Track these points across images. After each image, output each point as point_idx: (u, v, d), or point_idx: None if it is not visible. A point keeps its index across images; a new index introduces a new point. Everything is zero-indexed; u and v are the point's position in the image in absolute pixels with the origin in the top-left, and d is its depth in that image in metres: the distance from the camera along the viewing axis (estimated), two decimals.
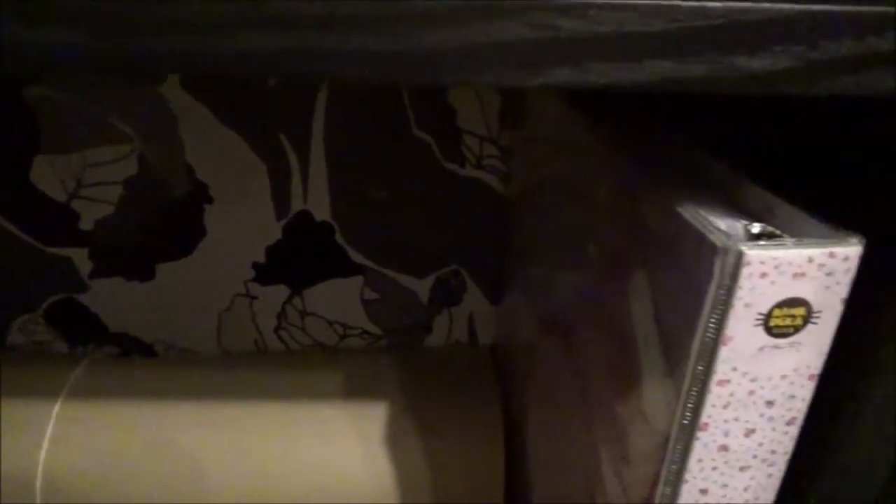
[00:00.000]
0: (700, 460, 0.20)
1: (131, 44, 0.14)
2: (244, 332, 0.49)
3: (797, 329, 0.19)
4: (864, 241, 0.18)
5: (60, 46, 0.14)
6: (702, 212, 0.20)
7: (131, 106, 0.41)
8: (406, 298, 0.48)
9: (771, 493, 0.22)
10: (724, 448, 0.20)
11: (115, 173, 0.43)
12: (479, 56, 0.14)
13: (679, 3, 0.14)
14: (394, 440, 0.41)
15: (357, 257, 0.46)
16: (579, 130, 0.30)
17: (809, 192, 0.22)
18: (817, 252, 0.18)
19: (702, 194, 0.22)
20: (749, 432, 0.20)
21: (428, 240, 0.46)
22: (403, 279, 0.47)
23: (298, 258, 0.46)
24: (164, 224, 0.44)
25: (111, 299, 0.47)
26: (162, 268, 0.46)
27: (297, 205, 0.44)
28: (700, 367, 0.19)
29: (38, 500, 0.40)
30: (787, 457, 0.21)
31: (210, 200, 0.44)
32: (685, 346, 0.19)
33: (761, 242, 0.18)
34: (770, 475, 0.21)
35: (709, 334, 0.19)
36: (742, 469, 0.21)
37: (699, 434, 0.20)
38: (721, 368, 0.19)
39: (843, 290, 0.18)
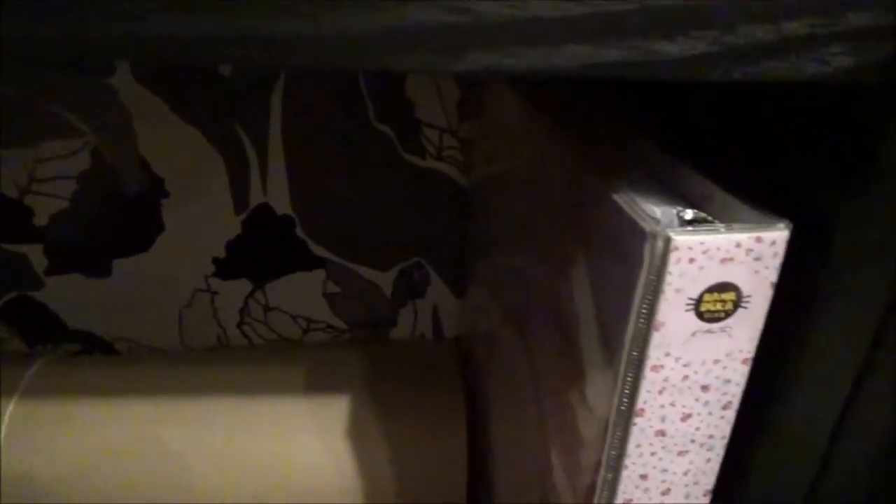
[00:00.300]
0: (638, 445, 0.21)
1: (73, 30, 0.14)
2: (206, 327, 0.48)
3: (728, 314, 0.19)
4: (791, 226, 0.18)
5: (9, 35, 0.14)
6: (638, 199, 0.20)
7: (83, 99, 0.40)
8: (369, 292, 0.48)
9: (711, 477, 0.22)
10: (661, 433, 0.20)
11: (69, 168, 0.42)
12: (399, 41, 0.14)
13: None
14: (356, 434, 0.41)
15: (319, 251, 0.46)
16: (528, 121, 0.30)
17: (757, 177, 0.22)
18: (744, 237, 0.18)
19: (642, 182, 0.22)
20: (686, 417, 0.20)
21: (390, 232, 0.45)
22: (366, 272, 0.47)
23: (259, 252, 0.46)
24: (120, 219, 0.44)
25: (68, 296, 0.46)
26: (119, 263, 0.45)
27: (256, 198, 0.44)
28: (634, 353, 0.19)
29: None
30: (725, 441, 0.21)
31: (167, 194, 0.43)
32: (620, 332, 0.19)
33: (690, 228, 0.18)
34: (709, 459, 0.21)
35: (641, 320, 0.19)
36: (680, 454, 0.21)
37: (636, 419, 0.20)
38: (654, 354, 0.19)
39: (772, 274, 0.18)
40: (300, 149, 0.42)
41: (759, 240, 0.18)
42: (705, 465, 0.21)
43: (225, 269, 0.46)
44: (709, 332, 0.19)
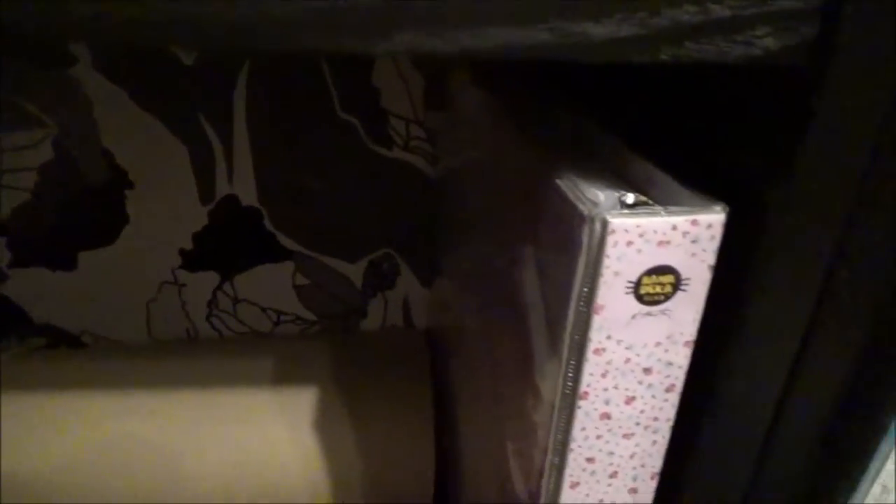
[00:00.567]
0: (584, 429, 0.21)
1: None
2: (174, 320, 0.48)
3: (667, 296, 0.19)
4: (727, 209, 0.18)
5: None
6: (582, 184, 0.20)
7: (44, 90, 0.40)
8: (339, 283, 0.48)
9: (657, 459, 0.22)
10: (606, 416, 0.21)
11: (30, 159, 0.41)
12: (322, 22, 0.14)
13: None
14: (323, 425, 0.41)
15: (287, 242, 0.46)
16: (485, 110, 0.30)
17: (704, 160, 0.22)
18: (681, 220, 0.18)
19: (590, 168, 0.22)
20: (629, 400, 0.20)
21: (358, 223, 0.45)
22: (335, 264, 0.47)
23: (227, 244, 0.45)
24: (84, 211, 0.43)
25: (33, 290, 0.46)
26: (84, 256, 0.45)
27: (222, 189, 0.43)
28: (576, 337, 0.19)
29: None
30: (671, 423, 0.21)
31: (131, 186, 0.42)
32: (563, 316, 0.20)
33: (626, 211, 0.18)
34: (654, 442, 0.22)
35: (582, 304, 0.19)
36: (626, 436, 0.21)
37: (580, 403, 0.20)
38: (596, 337, 0.19)
39: (709, 256, 0.18)
40: (266, 139, 0.42)
41: (695, 223, 0.18)
42: (651, 448, 0.22)
43: (192, 261, 0.46)
44: (649, 314, 0.19)
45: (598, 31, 0.15)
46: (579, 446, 0.21)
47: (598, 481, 0.22)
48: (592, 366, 0.20)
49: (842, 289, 0.18)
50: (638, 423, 0.21)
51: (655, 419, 0.21)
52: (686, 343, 0.20)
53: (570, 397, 0.20)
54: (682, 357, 0.20)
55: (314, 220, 0.45)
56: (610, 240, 0.18)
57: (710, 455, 0.21)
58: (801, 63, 0.15)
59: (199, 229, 0.45)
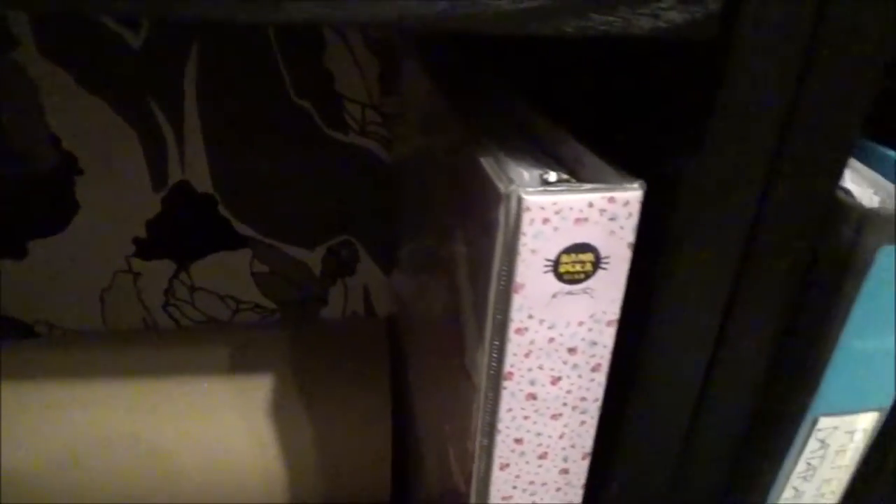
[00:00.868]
0: (510, 410, 0.21)
1: None
2: (130, 309, 0.47)
3: (588, 275, 0.19)
4: (644, 185, 0.18)
5: None
6: (508, 162, 0.20)
7: None
8: (297, 270, 0.47)
9: (588, 439, 0.22)
10: (532, 396, 0.21)
11: None
12: None
13: None
14: (278, 415, 0.41)
15: (243, 229, 0.45)
16: (427, 92, 0.30)
17: (633, 137, 0.22)
18: (597, 197, 0.18)
19: (521, 147, 0.22)
20: (555, 380, 0.20)
21: (315, 210, 0.45)
22: (293, 251, 0.46)
23: (181, 231, 0.45)
24: (33, 198, 0.42)
25: None
26: (35, 245, 0.44)
27: (174, 176, 0.43)
28: (498, 317, 0.19)
29: None
30: (599, 403, 0.21)
31: (80, 172, 0.42)
32: (485, 296, 0.19)
33: (541, 188, 0.18)
34: (583, 422, 0.21)
35: (502, 283, 0.19)
36: (554, 417, 0.21)
37: (506, 383, 0.20)
38: (517, 317, 0.19)
39: (628, 234, 0.18)
40: (218, 124, 0.41)
41: (611, 200, 0.18)
42: (580, 428, 0.22)
43: (146, 249, 0.45)
44: (570, 293, 0.19)
45: (502, 2, 0.14)
46: (507, 427, 0.21)
47: (527, 462, 0.22)
48: (515, 346, 0.19)
49: (760, 261, 0.18)
50: (565, 404, 0.21)
51: (583, 399, 0.21)
52: (609, 322, 0.20)
53: (495, 378, 0.20)
54: (606, 336, 0.20)
55: (270, 207, 0.44)
56: (526, 217, 0.17)
57: (639, 435, 0.21)
58: (707, 36, 0.15)
59: (153, 217, 0.44)
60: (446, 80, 0.30)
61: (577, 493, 0.23)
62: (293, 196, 0.44)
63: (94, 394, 0.41)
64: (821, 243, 0.18)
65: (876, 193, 0.20)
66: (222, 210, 0.44)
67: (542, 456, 0.22)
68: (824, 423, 0.20)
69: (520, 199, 0.17)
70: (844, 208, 0.17)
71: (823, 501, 0.22)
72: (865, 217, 0.17)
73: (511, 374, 0.20)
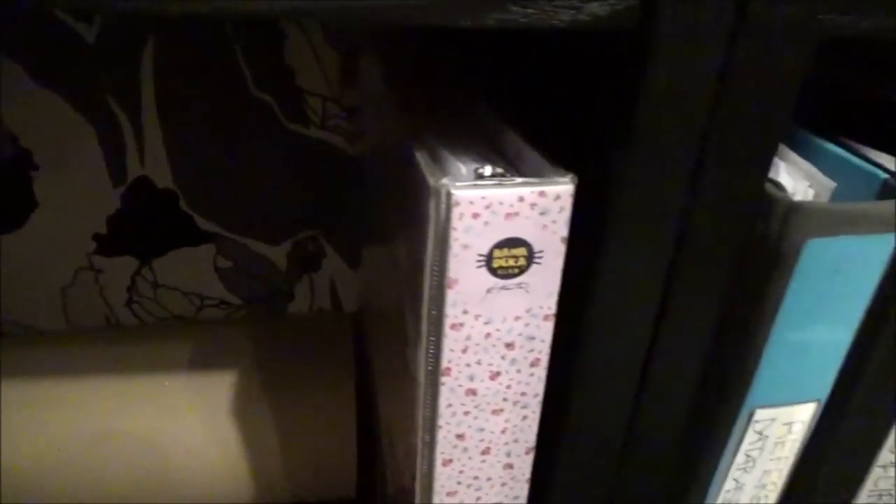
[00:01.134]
0: (450, 405, 0.20)
1: None
2: (93, 307, 0.46)
3: (522, 270, 0.19)
4: (576, 179, 0.18)
5: None
6: (446, 156, 0.20)
7: None
8: (262, 266, 0.47)
9: (531, 434, 0.22)
10: (471, 392, 0.20)
11: None
12: None
13: None
14: (241, 413, 0.40)
15: (206, 225, 0.44)
16: (380, 86, 0.29)
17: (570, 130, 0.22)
18: (527, 192, 0.18)
19: (464, 140, 0.22)
20: (494, 375, 0.20)
21: (279, 204, 0.44)
22: (258, 246, 0.46)
23: (143, 227, 0.44)
24: None
25: None
26: None
27: (134, 171, 0.42)
28: (433, 312, 0.19)
29: None
30: (540, 398, 0.21)
31: (36, 168, 0.41)
32: (420, 291, 0.19)
33: (470, 182, 0.17)
34: (525, 417, 0.21)
35: (435, 278, 0.18)
36: (495, 412, 0.21)
37: (444, 379, 0.20)
38: (452, 312, 0.19)
39: (560, 228, 0.18)
40: (177, 119, 0.41)
41: (542, 194, 0.18)
42: (523, 423, 0.21)
43: (107, 245, 0.44)
44: (504, 288, 0.19)
45: None
46: (447, 423, 0.21)
47: (470, 458, 0.22)
48: (451, 341, 0.19)
49: (692, 253, 0.18)
50: (506, 399, 0.21)
51: (523, 394, 0.21)
52: (547, 317, 0.20)
53: (433, 374, 0.20)
54: (544, 331, 0.20)
55: (233, 202, 0.44)
56: (455, 212, 0.17)
57: (580, 429, 0.21)
58: (628, 26, 0.15)
59: (113, 213, 0.43)
60: (399, 73, 0.30)
61: (523, 488, 0.23)
62: (256, 190, 0.44)
63: (49, 394, 0.41)
64: (751, 236, 0.18)
65: (811, 186, 0.20)
66: (184, 205, 0.43)
67: (485, 451, 0.22)
68: (761, 414, 0.20)
69: (449, 194, 0.17)
70: (772, 201, 0.17)
71: (765, 493, 0.22)
72: (792, 210, 0.17)
73: (449, 369, 0.20)
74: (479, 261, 0.18)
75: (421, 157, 0.19)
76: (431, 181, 0.18)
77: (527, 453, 0.22)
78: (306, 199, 0.44)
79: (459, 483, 0.22)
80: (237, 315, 0.49)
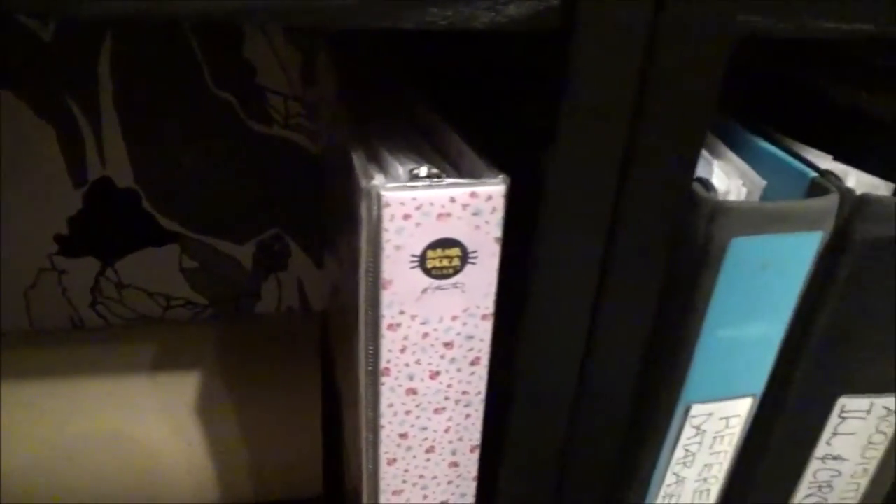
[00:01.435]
0: (391, 405, 0.21)
1: None
2: (56, 308, 0.46)
3: (456, 270, 0.19)
4: (508, 180, 0.18)
5: None
6: (385, 156, 0.20)
7: None
8: (228, 266, 0.46)
9: (475, 432, 0.22)
10: (412, 391, 0.21)
11: None
12: None
13: None
14: (205, 413, 0.40)
15: (170, 224, 0.44)
16: (333, 86, 0.29)
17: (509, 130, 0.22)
18: (459, 192, 0.18)
19: (404, 141, 0.22)
20: (434, 374, 0.20)
21: (243, 203, 0.44)
22: (223, 246, 0.46)
23: (105, 228, 0.44)
24: None
25: None
26: None
27: (94, 171, 0.42)
28: (370, 313, 0.19)
29: None
30: (482, 396, 0.21)
31: None
32: (357, 292, 0.19)
33: (401, 184, 0.17)
34: (468, 415, 0.22)
35: (370, 279, 0.19)
36: (437, 411, 0.21)
37: (383, 379, 0.20)
38: (388, 313, 0.19)
39: (493, 229, 0.18)
40: (137, 118, 0.40)
41: (474, 195, 0.18)
42: (466, 422, 0.22)
43: (69, 246, 0.44)
44: (440, 288, 0.19)
45: None
46: (389, 423, 0.21)
47: (414, 456, 0.22)
48: (389, 342, 0.19)
49: (623, 253, 0.18)
50: (447, 398, 0.21)
51: (465, 393, 0.21)
52: (484, 316, 0.20)
53: (374, 374, 0.20)
54: (482, 330, 0.20)
55: (196, 201, 0.44)
56: (386, 213, 0.17)
57: (523, 427, 0.21)
58: (549, 28, 0.15)
59: (74, 213, 0.43)
60: (351, 74, 0.30)
61: (470, 486, 0.23)
62: (219, 190, 0.43)
63: (12, 396, 0.40)
64: (679, 235, 0.18)
65: (744, 185, 0.20)
66: (146, 205, 0.43)
67: (430, 450, 0.22)
68: (697, 410, 0.20)
69: (379, 196, 0.17)
70: (698, 201, 0.17)
71: (706, 486, 0.22)
72: (717, 209, 0.17)
73: (388, 369, 0.20)
74: (412, 261, 0.18)
75: (357, 158, 0.19)
76: (363, 182, 0.18)
77: (472, 451, 0.22)
78: (270, 199, 0.44)
79: (405, 482, 0.22)
80: (204, 315, 0.49)
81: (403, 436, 0.21)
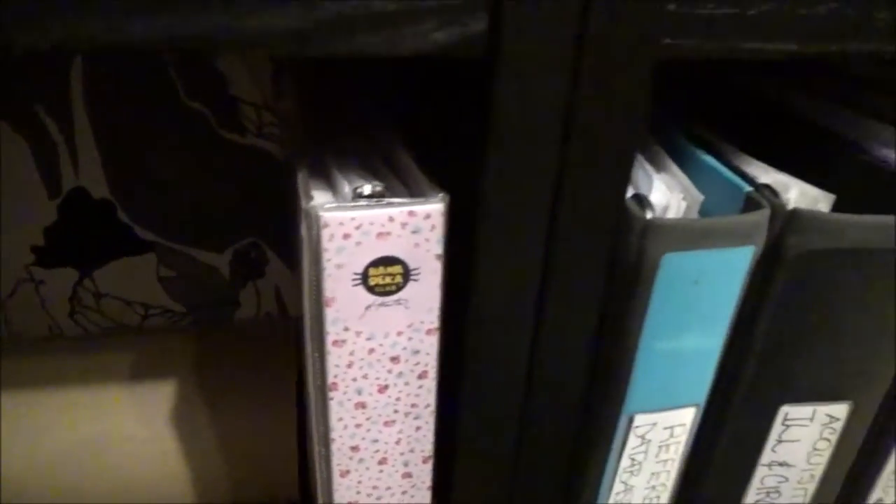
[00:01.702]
0: (341, 419, 0.21)
1: None
2: (35, 318, 0.46)
3: (399, 287, 0.19)
4: (447, 198, 0.18)
5: None
6: (335, 174, 0.20)
7: None
8: (206, 274, 0.47)
9: (427, 443, 0.22)
10: (361, 405, 0.21)
11: None
12: None
13: None
14: (182, 420, 0.40)
15: (146, 234, 0.44)
16: (294, 101, 0.30)
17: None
18: (397, 212, 0.18)
19: (356, 158, 0.22)
20: (382, 388, 0.21)
21: (219, 212, 0.44)
22: (200, 254, 0.46)
23: (81, 238, 0.44)
24: None
25: None
26: None
27: (69, 182, 0.42)
28: (315, 329, 0.19)
29: None
30: (432, 408, 0.22)
31: None
32: (303, 310, 0.20)
33: (344, 204, 0.18)
34: (419, 427, 0.22)
35: (314, 296, 0.19)
36: (387, 424, 0.21)
37: (332, 394, 0.20)
38: (333, 329, 0.19)
39: (434, 246, 0.19)
40: (110, 129, 0.41)
41: (412, 214, 0.18)
42: (417, 433, 0.22)
43: (46, 257, 0.44)
44: (384, 305, 0.19)
45: (252, 23, 0.15)
46: (340, 436, 0.21)
47: (367, 468, 0.22)
48: (335, 357, 0.20)
49: (561, 270, 0.19)
50: (397, 411, 0.21)
51: (414, 406, 0.21)
52: (430, 331, 0.20)
53: (322, 389, 0.20)
54: (428, 344, 0.20)
55: (172, 211, 0.44)
56: (325, 233, 0.18)
57: (473, 439, 0.22)
58: (475, 55, 0.16)
59: (50, 224, 0.43)
60: (315, 89, 0.30)
61: (425, 496, 0.24)
62: (195, 199, 0.44)
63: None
64: (615, 251, 0.18)
65: (685, 199, 0.20)
66: (122, 215, 0.43)
67: (382, 461, 0.22)
68: (641, 420, 0.21)
69: (318, 216, 0.18)
70: (631, 218, 0.18)
71: (655, 494, 0.23)
72: (648, 227, 0.17)
73: (335, 384, 0.20)
74: (354, 279, 0.19)
75: (301, 177, 0.20)
76: (303, 202, 0.18)
77: (424, 462, 0.23)
78: (246, 207, 0.45)
79: (359, 493, 0.23)
80: (183, 323, 0.49)
81: (355, 448, 0.22)
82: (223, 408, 0.41)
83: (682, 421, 0.21)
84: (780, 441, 0.22)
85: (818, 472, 0.23)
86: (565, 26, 0.15)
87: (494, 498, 0.23)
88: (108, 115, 0.40)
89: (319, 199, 0.19)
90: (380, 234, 0.18)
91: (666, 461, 0.22)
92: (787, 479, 0.23)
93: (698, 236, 0.17)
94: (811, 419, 0.22)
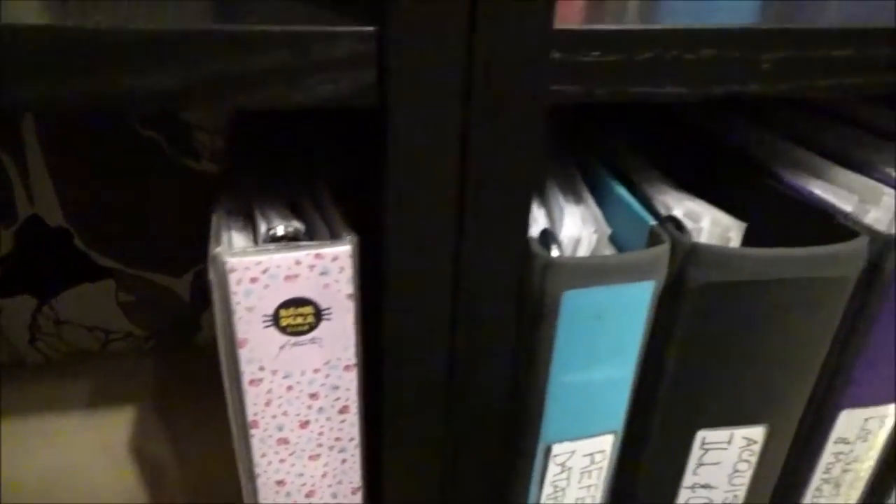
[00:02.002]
0: (264, 455, 0.21)
1: None
2: None
3: (312, 326, 0.19)
4: (355, 240, 0.19)
5: None
6: (256, 213, 0.21)
7: None
8: (166, 298, 0.47)
9: (354, 475, 0.23)
10: (284, 441, 0.21)
11: None
12: None
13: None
14: (141, 445, 0.40)
15: (103, 261, 0.44)
16: (226, 142, 0.30)
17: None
18: (303, 255, 0.18)
19: (279, 202, 0.22)
20: (304, 424, 0.21)
21: (177, 237, 0.45)
22: (159, 279, 0.46)
23: (39, 266, 0.44)
24: None
25: None
26: None
27: (24, 211, 0.42)
28: (231, 370, 0.20)
29: None
30: (356, 442, 0.22)
31: None
32: (219, 351, 0.20)
33: (250, 248, 0.18)
34: (344, 460, 0.22)
35: (227, 338, 0.19)
36: (312, 458, 0.22)
37: (252, 431, 0.21)
38: (248, 369, 0.20)
39: (344, 286, 0.19)
40: (62, 158, 0.41)
41: (319, 256, 0.18)
42: (343, 466, 0.22)
43: (4, 285, 0.44)
44: (297, 344, 0.20)
45: (140, 82, 0.15)
46: (265, 471, 0.21)
47: (295, 500, 0.22)
48: (253, 396, 0.20)
49: (468, 310, 0.19)
50: (321, 445, 0.22)
51: (338, 439, 0.22)
52: (347, 367, 0.20)
53: (242, 427, 0.21)
54: (347, 380, 0.21)
55: (129, 237, 0.44)
56: (232, 277, 0.18)
57: (397, 472, 0.22)
58: (368, 104, 0.16)
59: (6, 253, 0.43)
60: (253, 127, 0.30)
61: None
62: (152, 225, 0.44)
63: None
64: (519, 289, 0.19)
65: (595, 232, 0.21)
66: (78, 243, 0.44)
67: (310, 494, 0.22)
68: (559, 448, 0.21)
69: (223, 262, 0.18)
70: (531, 257, 0.18)
71: None
72: (548, 265, 0.18)
73: (256, 422, 0.20)
74: (265, 321, 0.19)
75: (214, 220, 0.20)
76: (211, 248, 0.18)
77: (353, 493, 0.23)
78: (203, 231, 0.45)
79: None
80: (145, 347, 0.49)
81: (281, 482, 0.22)
82: (183, 430, 0.41)
83: (602, 448, 0.22)
84: (700, 464, 0.22)
85: (742, 493, 0.23)
86: (450, 75, 0.16)
87: None
88: (61, 144, 0.40)
89: (236, 240, 0.20)
90: (287, 277, 0.18)
91: (590, 486, 0.22)
92: (711, 501, 0.23)
93: (597, 273, 0.18)
94: (729, 442, 0.22)
